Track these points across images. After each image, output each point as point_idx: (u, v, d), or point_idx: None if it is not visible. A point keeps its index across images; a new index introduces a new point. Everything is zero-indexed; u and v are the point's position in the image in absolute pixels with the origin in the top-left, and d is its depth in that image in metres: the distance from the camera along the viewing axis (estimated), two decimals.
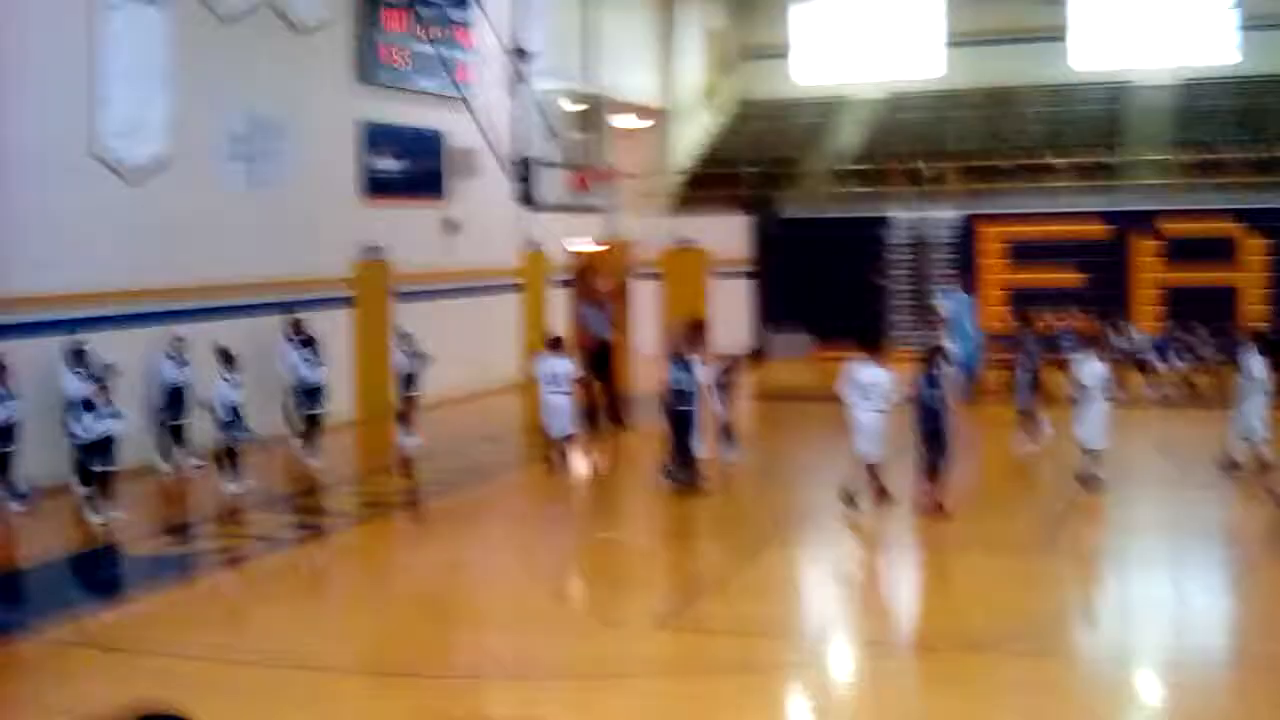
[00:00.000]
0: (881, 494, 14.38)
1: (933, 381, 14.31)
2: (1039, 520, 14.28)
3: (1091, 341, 17.59)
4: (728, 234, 31.54)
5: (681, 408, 15.86)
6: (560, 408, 17.34)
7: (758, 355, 29.45)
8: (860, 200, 32.10)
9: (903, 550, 13.71)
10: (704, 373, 16.20)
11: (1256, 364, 16.12)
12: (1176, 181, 30.15)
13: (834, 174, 33.48)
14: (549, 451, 17.59)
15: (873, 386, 14.15)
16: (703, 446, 16.15)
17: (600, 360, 20.75)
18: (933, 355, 14.93)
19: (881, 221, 30.98)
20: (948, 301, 24.68)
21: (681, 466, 15.74)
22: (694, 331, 16.94)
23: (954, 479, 14.40)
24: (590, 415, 20.37)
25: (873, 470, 14.38)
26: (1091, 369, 15.47)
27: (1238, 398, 16.30)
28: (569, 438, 17.65)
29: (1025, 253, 29.60)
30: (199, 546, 14.15)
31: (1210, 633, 10.78)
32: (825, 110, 36.32)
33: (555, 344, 18.17)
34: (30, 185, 16.05)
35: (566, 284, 28.59)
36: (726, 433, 17.29)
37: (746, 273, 31.49)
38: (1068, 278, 28.96)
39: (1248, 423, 15.94)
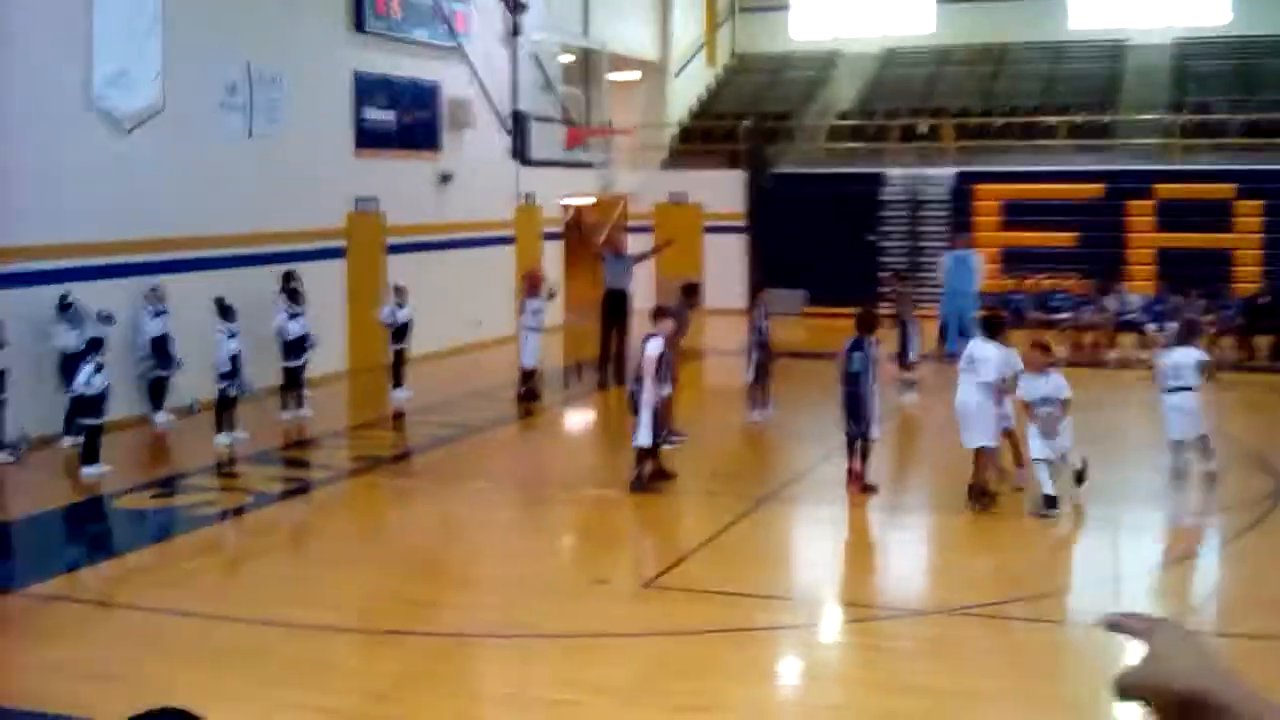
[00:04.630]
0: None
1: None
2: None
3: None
4: (722, 190, 31.50)
5: (633, 386, 13.98)
6: (532, 345, 18.86)
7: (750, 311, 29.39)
8: (855, 157, 32.07)
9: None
10: (654, 345, 13.74)
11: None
12: (1172, 142, 30.11)
13: (829, 130, 33.41)
14: (522, 386, 19.03)
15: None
16: (646, 434, 13.67)
17: (617, 310, 20.54)
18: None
19: (876, 179, 30.94)
20: (948, 259, 24.59)
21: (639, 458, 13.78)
22: (684, 295, 15.81)
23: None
24: (603, 364, 20.41)
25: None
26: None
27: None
28: (533, 372, 19.06)
29: (1019, 212, 29.54)
30: (189, 500, 14.17)
31: None
32: (820, 65, 36.23)
33: (532, 283, 19.62)
34: (25, 137, 15.91)
35: (560, 237, 28.65)
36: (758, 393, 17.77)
37: (740, 228, 31.45)
38: (1062, 238, 28.95)
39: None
